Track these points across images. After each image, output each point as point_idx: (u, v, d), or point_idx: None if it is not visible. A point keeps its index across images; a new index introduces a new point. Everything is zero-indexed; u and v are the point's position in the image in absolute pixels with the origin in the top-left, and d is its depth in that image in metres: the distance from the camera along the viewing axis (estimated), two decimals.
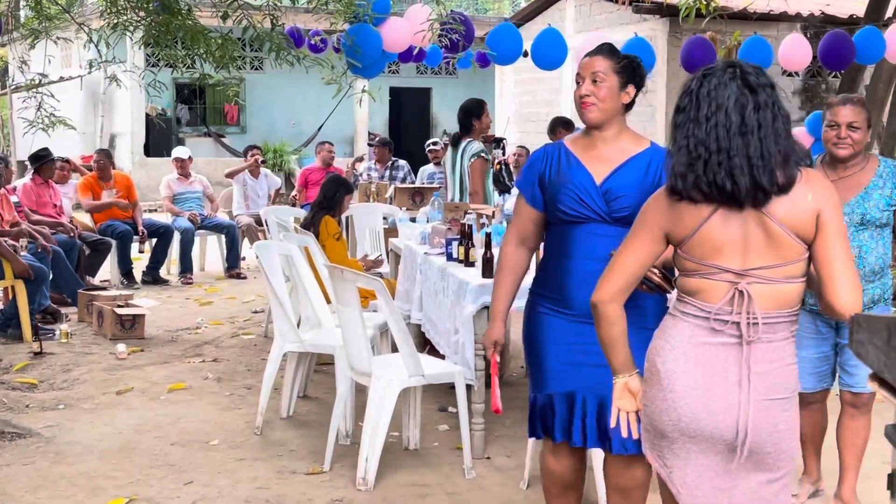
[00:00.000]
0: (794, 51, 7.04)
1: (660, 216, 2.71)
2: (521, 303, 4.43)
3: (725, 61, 2.73)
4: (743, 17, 11.66)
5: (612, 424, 2.93)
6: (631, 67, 3.44)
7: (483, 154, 7.05)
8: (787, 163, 2.59)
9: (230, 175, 11.33)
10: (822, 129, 4.21)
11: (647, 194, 3.26)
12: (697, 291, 2.69)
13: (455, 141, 7.28)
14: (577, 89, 3.44)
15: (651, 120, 13.70)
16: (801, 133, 5.37)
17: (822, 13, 13.32)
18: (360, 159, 12.86)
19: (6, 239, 7.72)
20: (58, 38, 6.09)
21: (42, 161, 9.39)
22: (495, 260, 4.74)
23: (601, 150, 3.44)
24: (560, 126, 11.40)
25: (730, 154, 2.57)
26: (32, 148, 9.97)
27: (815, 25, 12.95)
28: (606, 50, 3.47)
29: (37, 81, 6.02)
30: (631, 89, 3.43)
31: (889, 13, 8.46)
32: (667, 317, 2.80)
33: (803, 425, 3.77)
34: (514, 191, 3.67)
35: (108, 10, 5.60)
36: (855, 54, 6.77)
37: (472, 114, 7.14)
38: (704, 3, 9.13)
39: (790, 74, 13.47)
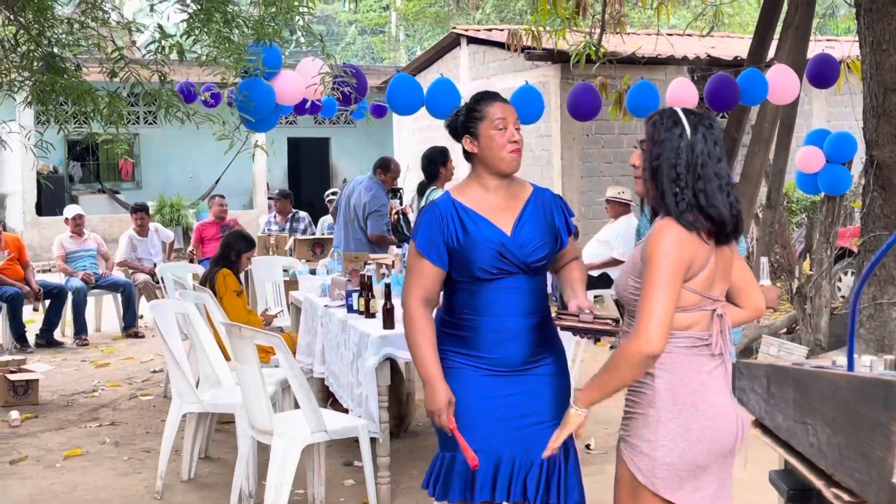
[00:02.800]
0: (681, 94, 7.22)
1: (685, 252, 2.76)
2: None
3: (698, 112, 2.91)
4: (631, 61, 11.93)
5: (546, 455, 3.03)
6: None
7: None
8: None
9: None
10: None
11: (553, 237, 3.36)
12: (693, 324, 2.83)
13: (421, 189, 7.33)
14: (502, 135, 3.30)
15: (548, 164, 13.90)
16: None
17: (708, 56, 13.72)
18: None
19: None
20: None
21: None
22: (396, 311, 4.72)
23: (497, 199, 3.35)
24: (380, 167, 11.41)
25: (728, 193, 2.82)
26: None
27: (702, 68, 13.32)
28: (507, 100, 3.46)
29: None
30: None
31: (770, 55, 8.74)
32: (664, 356, 2.79)
33: None
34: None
35: None
36: (739, 96, 6.98)
37: (438, 162, 7.16)
38: (594, 49, 9.35)
39: None
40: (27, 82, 5.53)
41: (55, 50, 5.70)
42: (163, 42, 5.09)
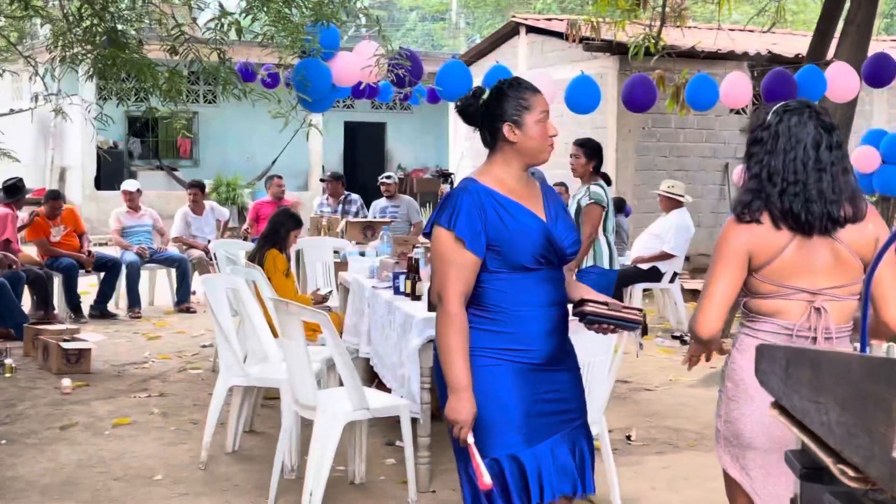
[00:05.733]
0: (736, 88, 7.20)
1: (745, 243, 2.92)
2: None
3: (800, 100, 3.01)
4: (691, 55, 11.86)
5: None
6: None
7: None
8: (857, 198, 2.93)
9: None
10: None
11: (576, 230, 3.31)
12: (776, 312, 2.95)
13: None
14: (545, 128, 3.17)
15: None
16: (740, 170, 5.51)
17: (769, 52, 13.58)
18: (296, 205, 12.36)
19: None
20: (4, 71, 6.08)
21: (21, 193, 9.55)
22: None
23: (522, 188, 3.22)
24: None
25: (805, 186, 2.86)
26: None
27: (762, 64, 13.20)
28: None
29: None
30: None
31: (830, 53, 8.65)
32: (742, 336, 3.03)
33: None
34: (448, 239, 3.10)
35: (55, 44, 5.60)
36: (796, 92, 6.93)
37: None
38: (653, 41, 9.31)
39: (738, 112, 13.70)
40: (89, 56, 5.66)
41: (118, 25, 5.82)
42: (222, 20, 5.18)
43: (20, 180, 9.79)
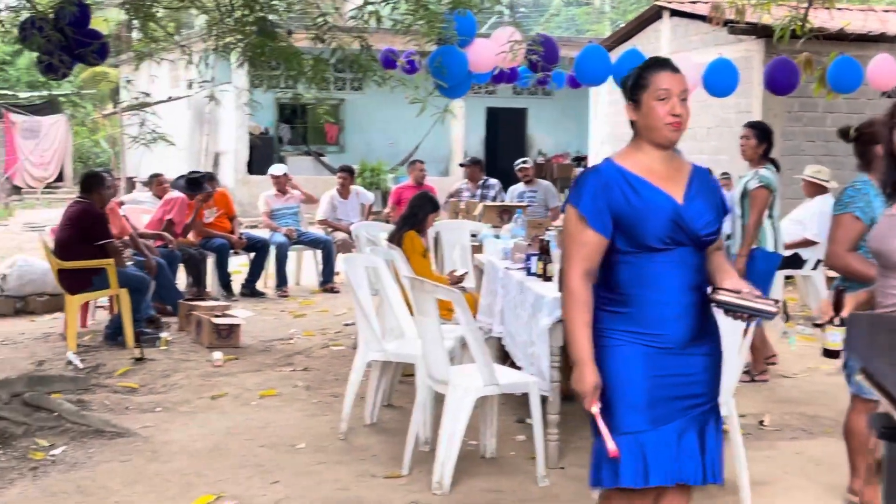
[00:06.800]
0: (882, 70, 7.05)
1: None
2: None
3: None
4: (839, 38, 11.53)
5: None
6: None
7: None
8: None
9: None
10: None
11: (720, 213, 3.26)
12: None
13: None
14: (663, 107, 3.16)
15: None
16: None
17: None
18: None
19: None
20: (160, 60, 6.44)
21: (200, 189, 9.98)
22: None
23: (661, 168, 3.22)
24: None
25: None
26: (140, 164, 10.49)
27: None
28: (678, 69, 3.29)
29: (140, 101, 6.37)
30: None
31: None
32: None
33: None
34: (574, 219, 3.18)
35: (209, 34, 5.91)
36: None
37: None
38: (799, 24, 9.12)
39: (889, 96, 13.25)
40: (239, 45, 5.94)
41: (267, 15, 6.09)
42: (363, 10, 5.38)
43: (203, 177, 10.25)
